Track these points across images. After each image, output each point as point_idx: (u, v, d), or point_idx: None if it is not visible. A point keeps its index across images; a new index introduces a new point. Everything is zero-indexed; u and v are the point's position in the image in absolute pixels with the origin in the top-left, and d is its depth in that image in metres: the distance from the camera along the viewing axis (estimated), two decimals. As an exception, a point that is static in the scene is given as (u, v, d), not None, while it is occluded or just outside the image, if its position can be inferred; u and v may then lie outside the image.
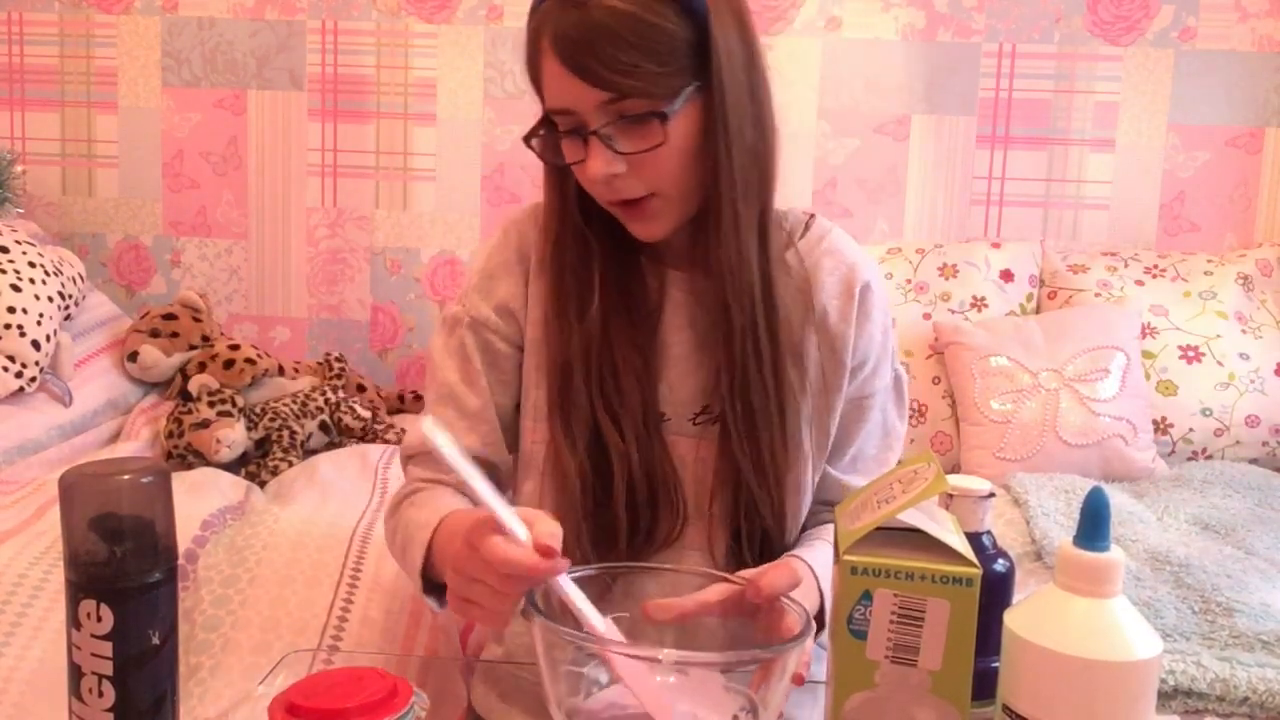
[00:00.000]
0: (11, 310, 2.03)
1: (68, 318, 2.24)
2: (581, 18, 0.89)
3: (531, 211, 1.08)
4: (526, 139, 0.98)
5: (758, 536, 1.01)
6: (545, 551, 0.71)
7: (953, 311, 2.30)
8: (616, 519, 0.99)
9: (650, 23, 0.90)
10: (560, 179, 1.02)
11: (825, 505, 1.08)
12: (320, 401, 2.19)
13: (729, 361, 0.98)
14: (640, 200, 0.96)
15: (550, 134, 0.97)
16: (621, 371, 1.00)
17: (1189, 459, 2.17)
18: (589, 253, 1.01)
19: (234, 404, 2.08)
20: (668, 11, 0.91)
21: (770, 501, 1.00)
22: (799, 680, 0.78)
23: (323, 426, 2.16)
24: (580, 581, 0.75)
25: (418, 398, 2.52)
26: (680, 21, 0.91)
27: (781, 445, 0.99)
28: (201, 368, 2.18)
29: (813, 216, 1.08)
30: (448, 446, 0.72)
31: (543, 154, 0.98)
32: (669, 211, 0.98)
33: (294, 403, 2.16)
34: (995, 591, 0.73)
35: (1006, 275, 2.36)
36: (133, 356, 2.24)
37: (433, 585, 0.96)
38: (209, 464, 1.97)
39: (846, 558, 0.65)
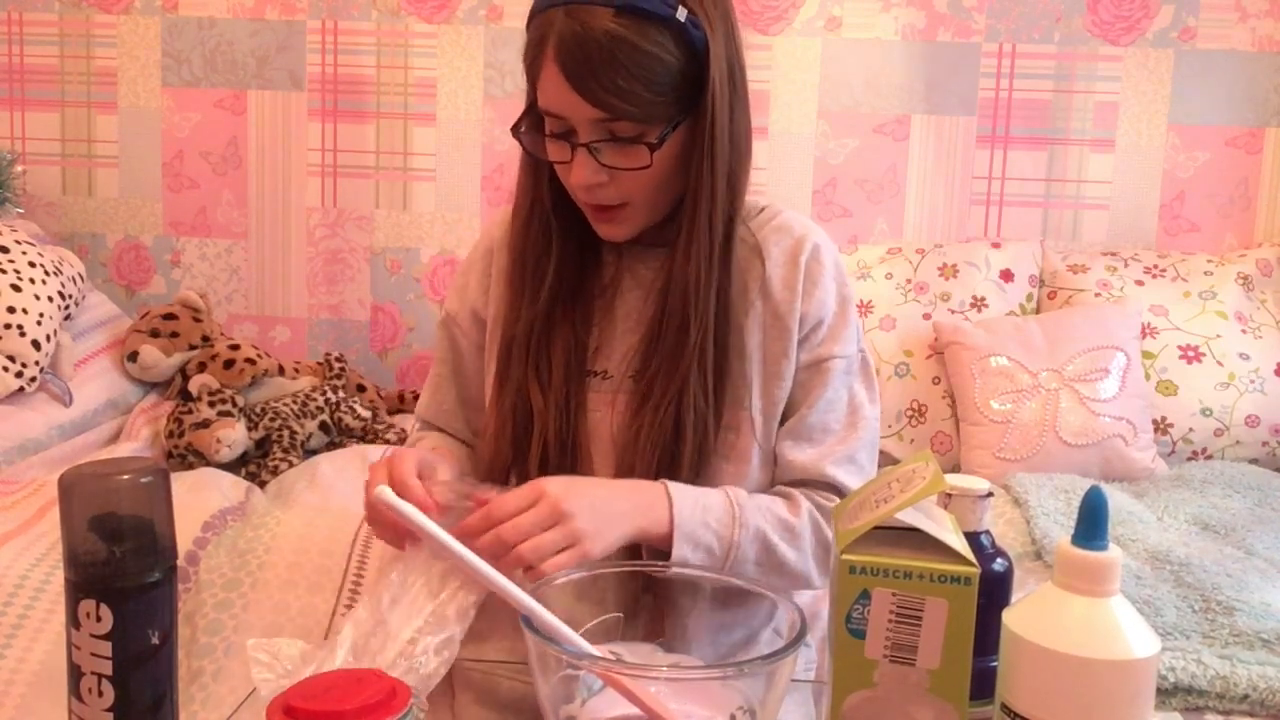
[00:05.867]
0: (11, 310, 2.03)
1: (68, 318, 2.24)
2: (586, 36, 0.93)
3: (507, 217, 1.14)
4: (515, 130, 1.03)
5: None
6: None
7: (953, 311, 2.30)
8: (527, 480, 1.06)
9: (649, 52, 0.94)
10: (536, 165, 1.07)
11: (784, 486, 1.10)
12: (320, 401, 2.19)
13: (673, 326, 1.03)
14: (613, 207, 1.03)
15: (538, 128, 1.02)
16: (556, 341, 1.07)
17: (1189, 459, 2.17)
18: (550, 241, 1.07)
19: (234, 404, 2.08)
20: (667, 42, 0.95)
21: (690, 461, 1.03)
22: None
23: (323, 426, 2.16)
24: None
25: (418, 397, 2.52)
26: (678, 51, 0.96)
27: (705, 407, 1.03)
28: (201, 368, 2.19)
29: (769, 206, 1.13)
30: (405, 506, 0.74)
31: (530, 147, 1.04)
32: (637, 218, 1.04)
33: (294, 403, 2.16)
34: (994, 591, 0.73)
35: (1006, 275, 2.36)
36: (133, 356, 2.25)
37: None
38: (209, 464, 1.97)
39: (845, 557, 0.65)
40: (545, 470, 1.07)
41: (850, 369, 1.10)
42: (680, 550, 0.96)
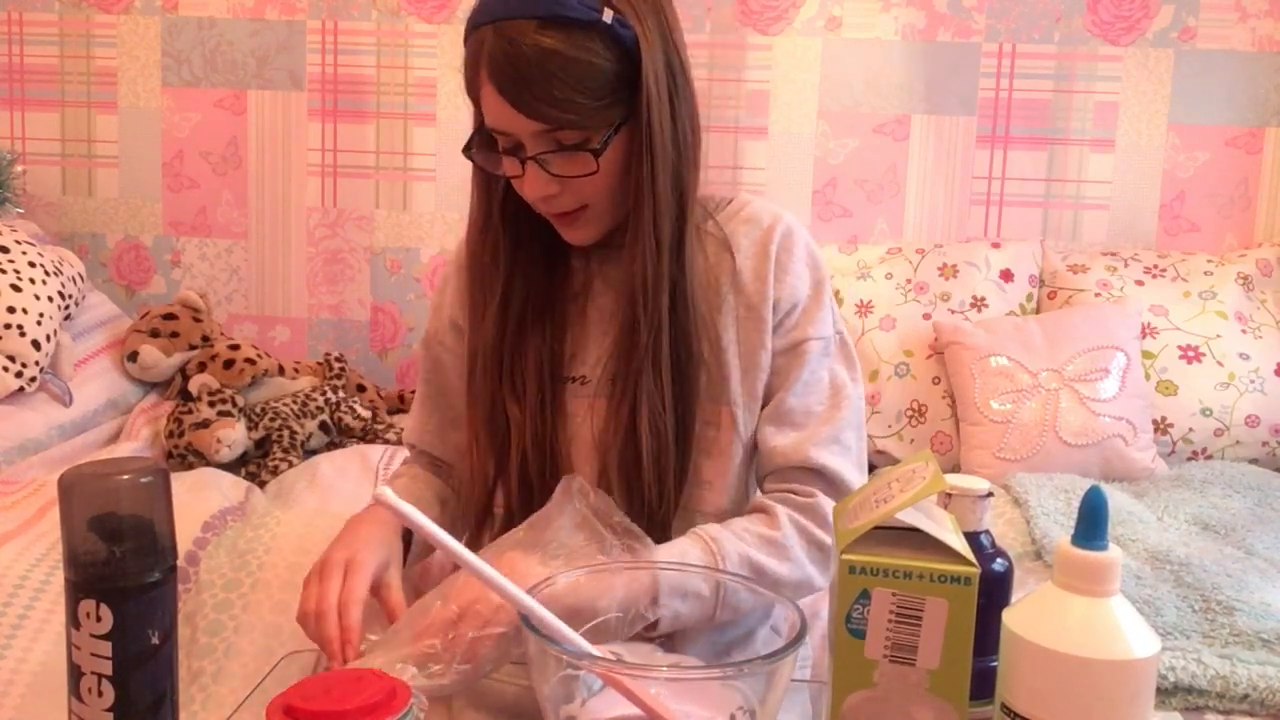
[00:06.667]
0: (11, 310, 2.03)
1: (68, 318, 2.24)
2: (515, 52, 0.94)
3: None
4: (466, 150, 1.03)
5: (657, 497, 1.03)
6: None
7: (953, 311, 2.30)
8: (510, 492, 1.07)
9: (580, 59, 0.95)
10: (487, 181, 1.07)
11: (766, 480, 1.09)
12: (320, 401, 2.19)
13: (629, 327, 1.03)
14: (573, 211, 1.03)
15: (490, 147, 1.03)
16: (528, 351, 1.07)
17: (1189, 459, 2.17)
18: (504, 255, 1.08)
19: (234, 404, 2.08)
20: (596, 46, 0.95)
21: (669, 460, 1.03)
22: None
23: (323, 426, 2.16)
24: None
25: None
26: (609, 54, 0.96)
27: (660, 406, 1.03)
28: (201, 368, 2.19)
29: (738, 198, 1.13)
30: (405, 505, 0.74)
31: (484, 164, 1.04)
32: (599, 220, 1.05)
33: (294, 403, 2.16)
34: (994, 591, 0.73)
35: (1006, 275, 2.36)
36: (133, 356, 2.25)
37: None
38: (209, 464, 1.97)
39: (845, 557, 0.65)
40: (526, 481, 1.07)
41: (828, 350, 1.09)
42: (670, 605, 0.92)
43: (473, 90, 1.01)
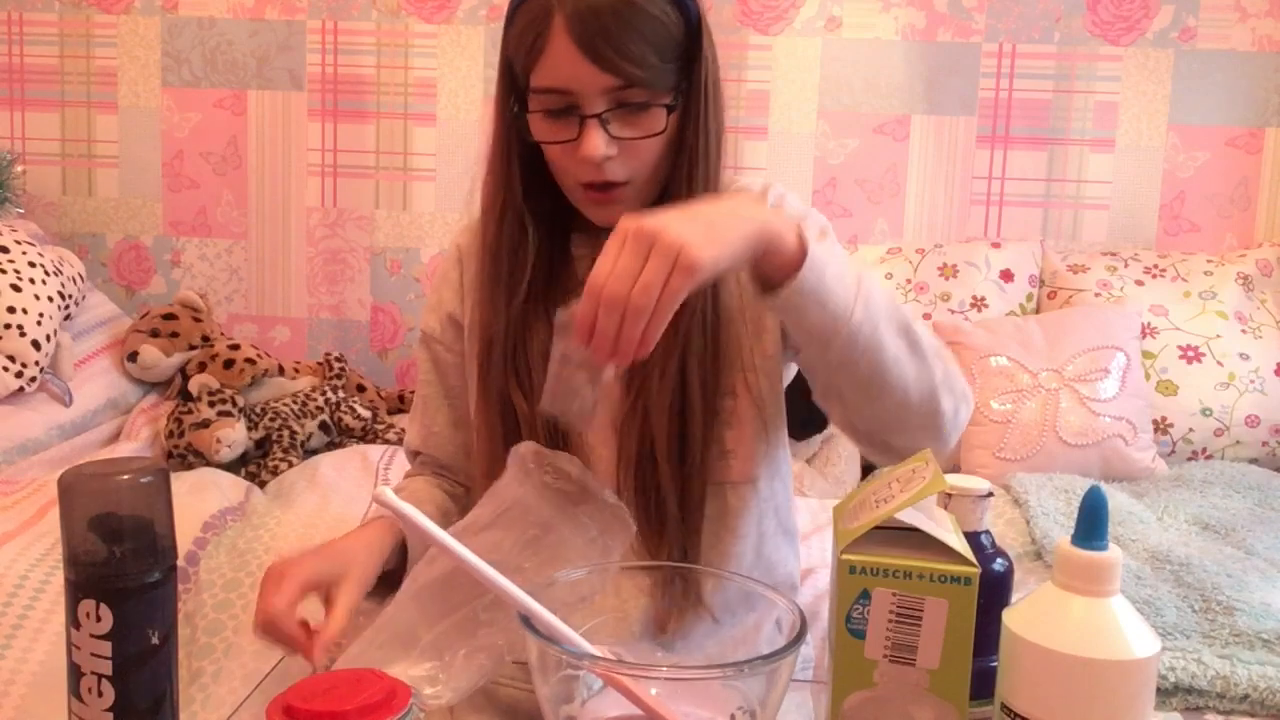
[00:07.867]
0: (11, 310, 2.03)
1: (68, 318, 2.24)
2: (596, 4, 0.94)
3: (473, 225, 1.14)
4: (517, 113, 1.02)
5: (682, 474, 1.03)
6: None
7: (953, 311, 2.30)
8: None
9: (656, 17, 0.96)
10: (506, 162, 1.06)
11: None
12: (320, 401, 2.19)
13: None
14: (613, 186, 1.01)
15: (526, 109, 1.01)
16: (532, 342, 1.06)
17: (1189, 459, 2.17)
18: (525, 237, 1.07)
19: (234, 404, 2.08)
20: (669, 9, 0.98)
21: (698, 432, 1.02)
22: None
23: (323, 426, 2.16)
24: None
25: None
26: (676, 21, 0.98)
27: (708, 369, 1.02)
28: (201, 367, 2.19)
29: (769, 187, 1.12)
30: (404, 506, 0.74)
31: (534, 128, 1.02)
32: (634, 199, 1.04)
33: (294, 403, 2.16)
34: (994, 591, 0.73)
35: (1006, 275, 2.36)
36: (133, 356, 2.25)
37: None
38: (209, 464, 1.97)
39: (845, 557, 0.65)
40: None
41: None
42: (816, 252, 0.85)
43: (535, 49, 0.97)
